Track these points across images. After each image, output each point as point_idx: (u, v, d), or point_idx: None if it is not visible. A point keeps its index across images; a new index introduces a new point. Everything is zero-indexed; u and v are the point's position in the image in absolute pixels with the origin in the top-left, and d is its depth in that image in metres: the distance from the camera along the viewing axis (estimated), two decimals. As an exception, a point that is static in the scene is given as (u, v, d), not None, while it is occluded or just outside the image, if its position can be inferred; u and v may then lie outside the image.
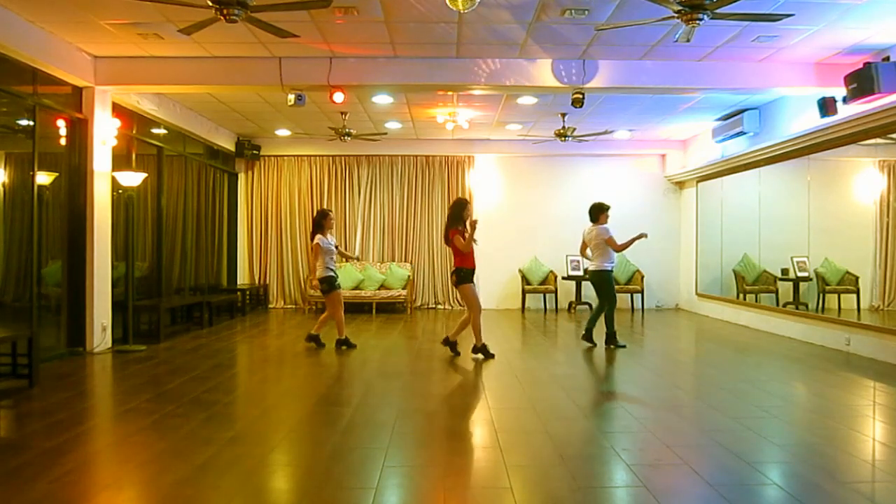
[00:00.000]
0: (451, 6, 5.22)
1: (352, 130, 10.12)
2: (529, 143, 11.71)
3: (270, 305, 12.54)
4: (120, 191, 7.81)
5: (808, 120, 8.15)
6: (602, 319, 7.81)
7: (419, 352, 7.80)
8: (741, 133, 9.71)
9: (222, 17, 4.95)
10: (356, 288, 11.78)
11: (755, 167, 9.79)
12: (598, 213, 7.89)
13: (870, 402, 5.48)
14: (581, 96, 7.66)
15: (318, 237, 7.60)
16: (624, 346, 7.76)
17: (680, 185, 12.85)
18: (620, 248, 7.80)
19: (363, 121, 10.56)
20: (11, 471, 3.57)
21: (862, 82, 6.52)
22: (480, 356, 7.07)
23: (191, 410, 4.91)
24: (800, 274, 9.27)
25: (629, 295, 12.24)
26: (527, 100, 9.22)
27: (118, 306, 7.79)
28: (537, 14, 6.09)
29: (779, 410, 5.05)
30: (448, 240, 7.09)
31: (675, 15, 4.91)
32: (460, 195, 12.48)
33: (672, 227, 12.87)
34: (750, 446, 4.10)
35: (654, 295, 12.61)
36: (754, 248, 10.22)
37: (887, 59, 6.57)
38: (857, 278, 8.49)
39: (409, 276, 12.09)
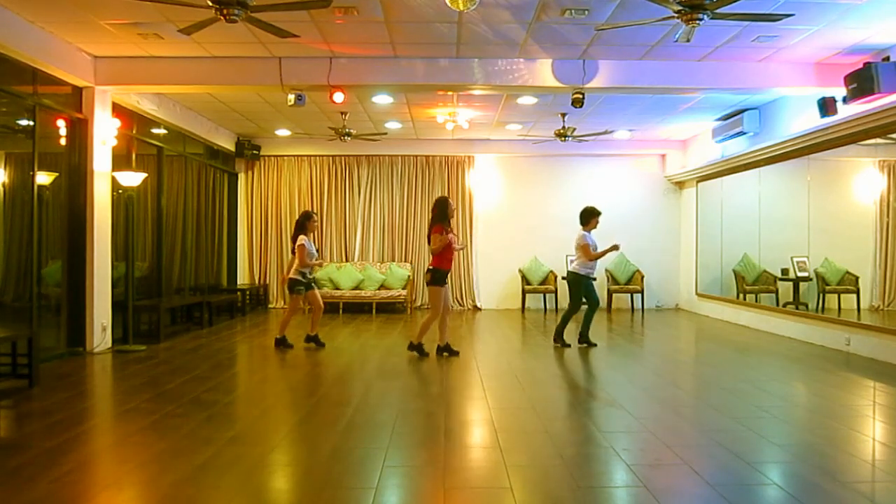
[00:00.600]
0: (451, 6, 5.23)
1: (352, 130, 10.12)
2: (529, 143, 11.71)
3: (270, 305, 12.54)
4: (120, 191, 7.80)
5: (808, 120, 8.15)
6: (573, 320, 7.85)
7: (419, 352, 7.80)
8: (741, 133, 9.71)
9: (222, 17, 4.95)
10: (356, 288, 11.78)
11: (755, 167, 9.79)
12: (589, 217, 7.86)
13: (870, 402, 5.48)
14: (581, 96, 7.66)
15: (304, 238, 7.63)
16: (595, 345, 7.78)
17: (680, 185, 12.85)
18: (592, 258, 7.72)
19: (363, 121, 10.56)
20: (11, 471, 3.57)
21: (862, 82, 6.52)
22: (416, 353, 7.13)
23: (191, 410, 4.91)
24: (800, 274, 9.27)
25: (629, 295, 12.25)
26: (527, 100, 9.22)
27: (118, 306, 7.79)
28: (537, 14, 6.09)
29: (779, 410, 5.05)
30: (429, 239, 7.10)
31: (675, 15, 4.91)
32: (460, 195, 12.55)
33: (672, 227, 12.87)
34: (750, 446, 4.10)
35: (654, 295, 12.61)
36: (754, 248, 10.22)
37: (887, 59, 6.57)
38: (857, 278, 8.49)
39: (409, 276, 12.09)
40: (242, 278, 12.63)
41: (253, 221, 12.67)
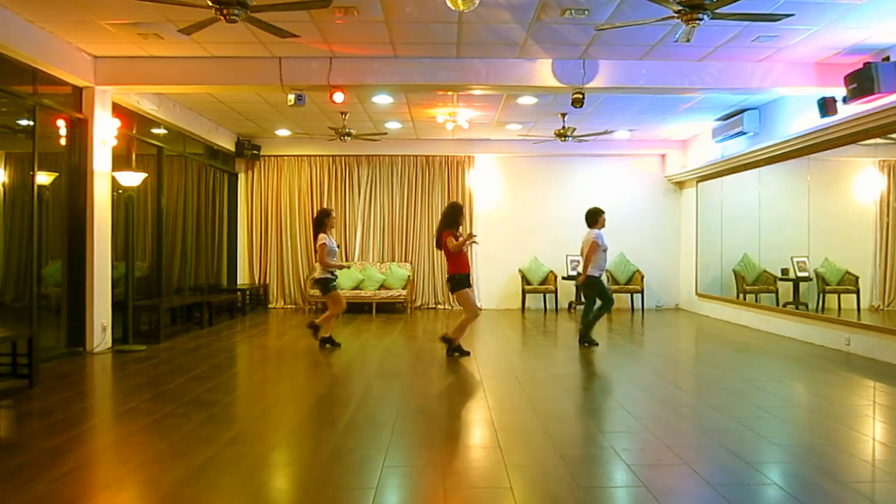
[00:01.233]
0: (451, 6, 5.22)
1: (352, 130, 10.12)
2: (529, 143, 11.71)
3: (270, 305, 12.54)
4: (120, 191, 7.80)
5: (808, 120, 8.15)
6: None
7: (419, 352, 7.81)
8: (741, 133, 9.71)
9: (222, 17, 4.95)
10: (356, 288, 11.77)
11: (755, 167, 9.79)
12: (597, 217, 7.90)
13: (870, 402, 5.48)
14: (581, 96, 7.66)
15: (324, 236, 7.61)
16: (597, 344, 7.81)
17: (680, 185, 12.85)
18: (587, 259, 7.85)
19: (363, 121, 10.56)
20: (11, 471, 3.57)
21: (862, 82, 6.52)
22: (457, 354, 7.09)
23: (191, 410, 4.91)
24: (800, 274, 9.26)
25: (629, 295, 12.24)
26: (527, 100, 9.22)
27: (118, 306, 7.79)
28: (537, 14, 6.09)
29: (779, 410, 5.05)
30: (441, 243, 7.07)
31: (675, 15, 4.91)
32: (460, 195, 12.54)
33: (672, 227, 12.87)
34: (750, 446, 4.10)
35: (654, 295, 12.61)
36: (754, 248, 10.22)
37: (887, 59, 6.57)
38: (857, 278, 8.49)
39: (409, 276, 12.10)
40: (242, 278, 12.63)
41: (253, 221, 12.67)
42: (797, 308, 9.21)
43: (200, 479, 3.52)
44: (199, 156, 10.77)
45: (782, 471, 3.75)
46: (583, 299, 8.24)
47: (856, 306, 8.46)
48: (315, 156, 12.59)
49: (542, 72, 7.48)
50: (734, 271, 10.70)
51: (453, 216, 7.12)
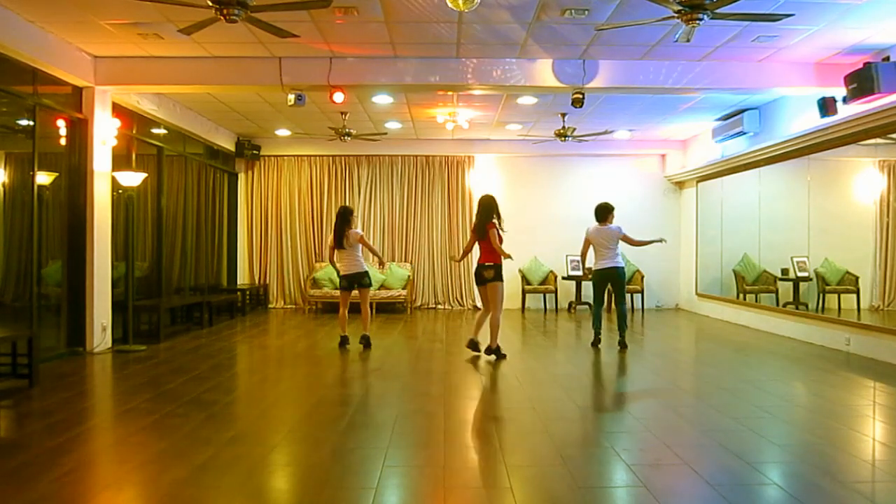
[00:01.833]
0: (451, 6, 5.22)
1: (352, 130, 10.12)
2: (529, 143, 11.71)
3: (270, 305, 12.54)
4: (120, 191, 7.80)
5: (808, 120, 8.15)
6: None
7: (419, 352, 7.81)
8: (741, 133, 9.71)
9: (222, 17, 4.95)
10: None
11: (755, 167, 9.79)
12: (608, 213, 7.89)
13: (870, 402, 5.48)
14: (581, 96, 7.66)
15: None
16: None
17: (680, 185, 12.85)
18: (638, 244, 8.07)
19: (363, 121, 10.56)
20: (11, 471, 3.57)
21: (862, 82, 6.52)
22: (493, 357, 7.05)
23: (191, 410, 4.91)
24: (800, 274, 9.26)
25: (629, 295, 12.23)
26: (527, 100, 9.22)
27: (118, 306, 7.79)
28: (537, 14, 6.09)
29: (779, 410, 5.05)
30: (484, 233, 7.02)
31: (675, 15, 4.91)
32: (460, 195, 12.57)
33: (672, 227, 12.84)
34: (750, 446, 4.11)
35: (654, 295, 12.61)
36: (754, 248, 10.22)
37: (887, 59, 6.57)
38: (857, 278, 8.49)
39: (409, 276, 12.09)
40: (242, 278, 12.63)
41: (253, 221, 12.67)
42: (797, 308, 9.21)
43: (200, 479, 3.52)
44: (199, 156, 10.77)
45: (782, 471, 3.75)
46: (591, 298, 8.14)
47: (856, 306, 8.46)
48: (315, 156, 12.59)
49: (542, 72, 7.48)
50: (734, 271, 10.70)
51: (495, 206, 7.11)
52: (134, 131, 8.60)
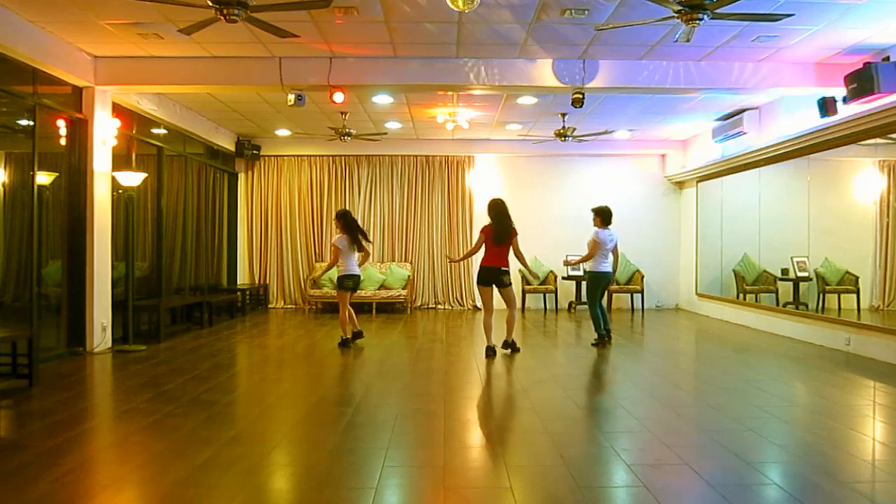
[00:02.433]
0: (451, 6, 5.22)
1: (352, 130, 10.12)
2: (529, 143, 11.71)
3: (270, 305, 12.54)
4: (120, 191, 7.80)
5: (808, 120, 8.15)
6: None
7: (419, 352, 7.81)
8: (741, 133, 9.70)
9: (222, 17, 4.95)
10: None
11: (755, 167, 9.79)
12: (610, 216, 7.94)
13: (870, 402, 5.48)
14: (581, 96, 7.66)
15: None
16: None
17: (680, 185, 12.85)
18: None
19: (363, 121, 10.56)
20: (11, 471, 3.57)
21: (862, 82, 6.52)
22: (509, 351, 7.38)
23: (191, 410, 4.91)
24: (800, 274, 9.27)
25: (629, 295, 12.24)
26: (527, 100, 9.22)
27: (118, 306, 7.79)
28: (537, 14, 6.09)
29: (779, 410, 5.05)
30: (508, 239, 7.26)
31: (675, 15, 4.91)
32: (460, 195, 12.59)
33: (672, 227, 12.87)
34: (750, 446, 4.10)
35: (654, 295, 12.60)
36: (754, 248, 10.22)
37: (887, 59, 6.57)
38: (857, 278, 8.49)
39: (409, 276, 12.09)
40: (242, 278, 12.63)
41: (253, 221, 12.67)
42: (797, 308, 9.21)
43: (200, 479, 3.52)
44: (199, 156, 10.77)
45: (782, 471, 3.75)
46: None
47: (856, 306, 8.46)
48: (315, 156, 12.59)
49: (543, 72, 7.48)
50: (734, 271, 10.70)
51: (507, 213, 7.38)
52: (134, 131, 8.60)
